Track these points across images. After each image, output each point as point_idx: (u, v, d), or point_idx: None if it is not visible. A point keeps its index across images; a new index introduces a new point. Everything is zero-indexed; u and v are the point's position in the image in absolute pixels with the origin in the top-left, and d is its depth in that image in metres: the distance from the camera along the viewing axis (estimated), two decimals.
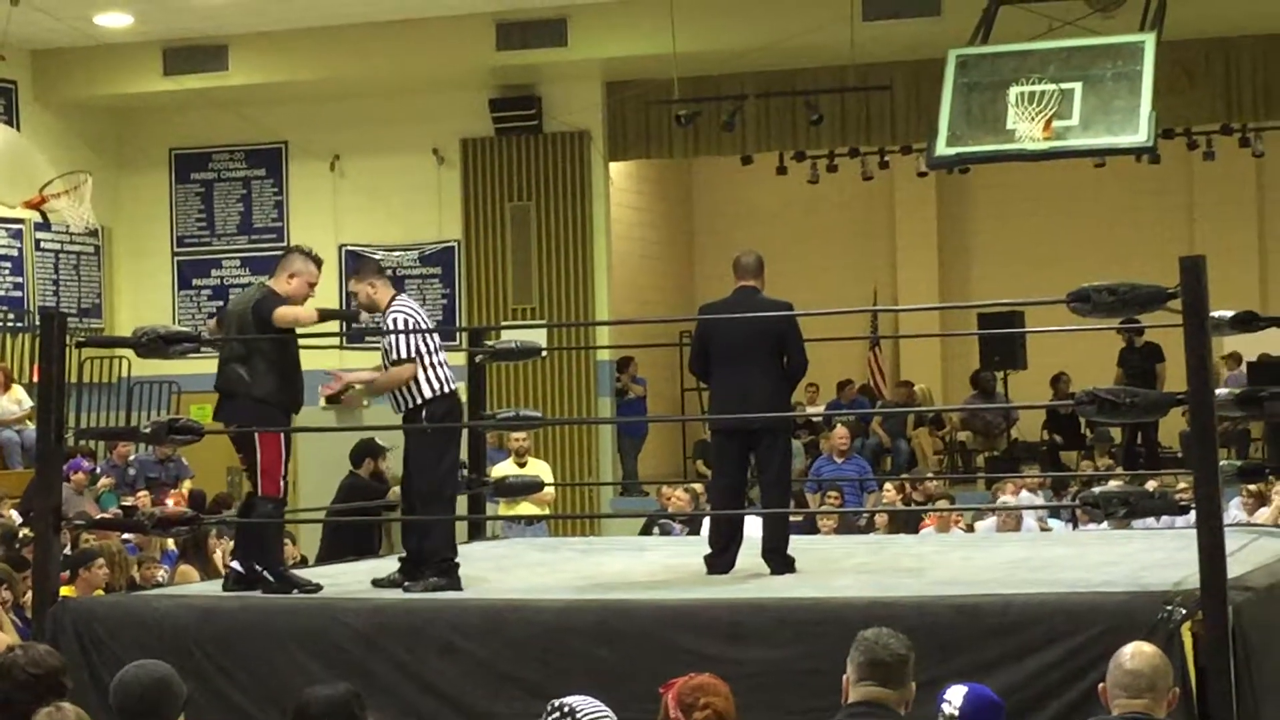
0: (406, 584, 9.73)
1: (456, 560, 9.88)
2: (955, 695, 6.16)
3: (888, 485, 18.61)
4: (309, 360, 10.35)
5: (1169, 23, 16.55)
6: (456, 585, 9.75)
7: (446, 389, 9.98)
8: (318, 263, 10.31)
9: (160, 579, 14.08)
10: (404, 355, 9.95)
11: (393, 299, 10.14)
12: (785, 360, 10.16)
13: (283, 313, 9.91)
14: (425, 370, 9.95)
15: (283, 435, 9.97)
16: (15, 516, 15.81)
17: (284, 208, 23.21)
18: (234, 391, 10.00)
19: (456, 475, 10.22)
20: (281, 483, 9.97)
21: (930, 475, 20.71)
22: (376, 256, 22.80)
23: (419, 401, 9.95)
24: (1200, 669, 7.65)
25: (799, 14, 19.83)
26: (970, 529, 16.48)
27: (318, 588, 9.89)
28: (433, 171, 22.64)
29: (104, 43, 21.53)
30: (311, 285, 10.20)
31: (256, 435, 9.92)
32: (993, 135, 16.27)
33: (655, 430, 23.47)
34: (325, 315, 10.21)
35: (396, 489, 16.28)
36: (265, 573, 9.96)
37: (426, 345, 9.99)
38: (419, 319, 10.11)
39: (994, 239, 25.98)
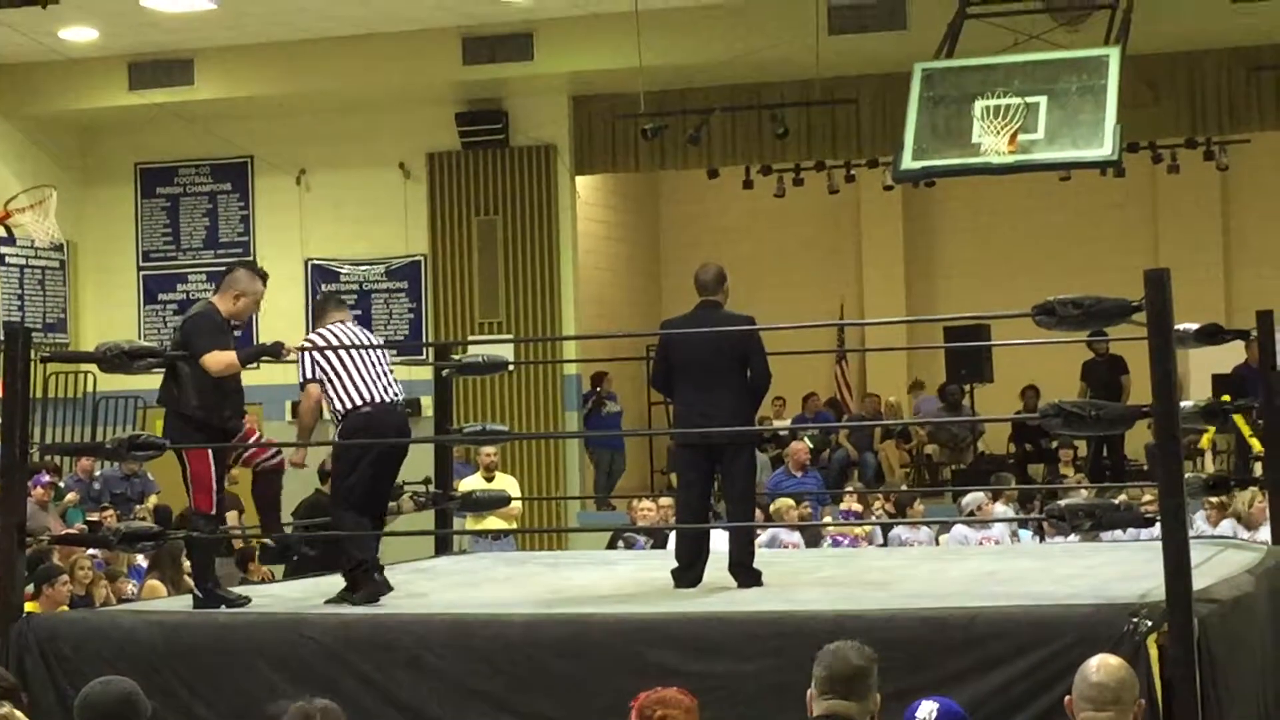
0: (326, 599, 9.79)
1: (365, 562, 9.84)
2: (925, 711, 6.16)
3: (851, 497, 18.65)
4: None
5: (1134, 37, 16.62)
6: (372, 595, 9.71)
7: (356, 402, 9.96)
8: (264, 278, 10.25)
9: (130, 593, 14.02)
10: (303, 379, 10.08)
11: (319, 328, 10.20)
12: (749, 374, 10.17)
13: (210, 361, 9.79)
14: (335, 388, 9.97)
15: (210, 452, 9.90)
16: None
17: (250, 222, 23.16)
18: (163, 407, 10.02)
19: (367, 487, 10.15)
20: (214, 498, 9.95)
21: (906, 489, 20.71)
22: (343, 270, 22.79)
23: (339, 418, 10.00)
24: (1166, 681, 7.66)
25: (765, 28, 19.87)
26: (936, 542, 16.53)
27: (245, 601, 9.91)
28: (399, 186, 22.63)
29: (69, 57, 21.47)
30: (258, 303, 10.16)
31: (185, 452, 9.92)
32: (958, 149, 16.31)
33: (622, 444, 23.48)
34: (249, 356, 10.11)
35: None
36: (195, 588, 10.06)
37: (335, 364, 9.99)
38: (329, 340, 10.10)
39: (960, 252, 26.05)
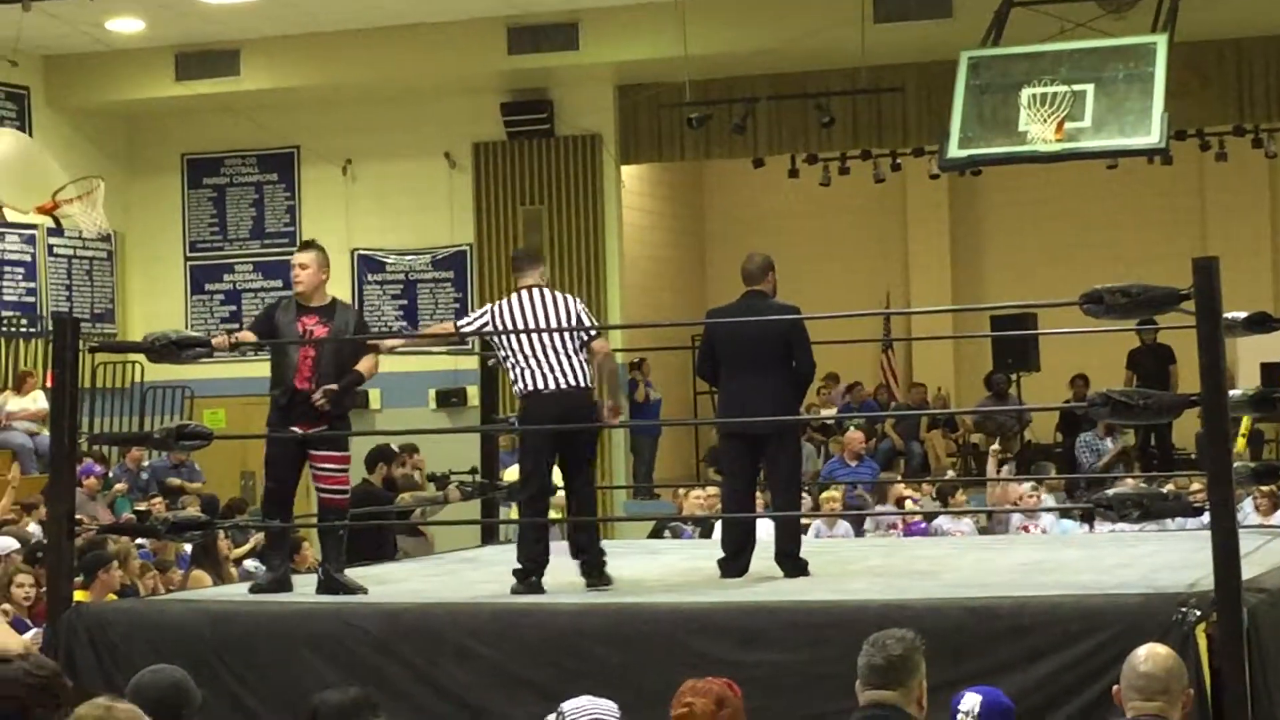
0: None
1: (520, 567, 9.78)
2: (970, 702, 6.15)
3: (901, 487, 18.59)
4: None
5: (1181, 24, 16.54)
6: (527, 589, 9.66)
7: (532, 388, 9.89)
8: (303, 246, 10.56)
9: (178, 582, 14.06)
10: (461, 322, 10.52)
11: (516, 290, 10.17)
12: (793, 364, 10.16)
13: None
14: (516, 368, 9.94)
15: (268, 430, 10.19)
16: (35, 530, 15.78)
17: (296, 212, 23.22)
18: None
19: (537, 478, 10.17)
20: (271, 481, 10.18)
21: (958, 479, 20.61)
22: (389, 260, 22.83)
23: (518, 399, 10.07)
24: (1215, 671, 7.63)
25: (810, 16, 19.83)
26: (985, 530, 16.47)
27: (284, 588, 10.01)
28: (445, 175, 22.66)
29: (116, 48, 21.56)
30: (301, 269, 10.29)
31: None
32: (1005, 137, 16.26)
33: (667, 433, 23.46)
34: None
35: (405, 495, 16.27)
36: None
37: (511, 343, 9.94)
38: (494, 314, 10.06)
39: (1006, 241, 25.96)
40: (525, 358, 9.90)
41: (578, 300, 10.21)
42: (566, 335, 9.90)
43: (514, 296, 10.12)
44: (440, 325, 10.44)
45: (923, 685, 5.99)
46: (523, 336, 9.89)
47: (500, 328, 10.00)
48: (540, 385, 9.87)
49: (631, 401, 22.67)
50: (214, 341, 10.17)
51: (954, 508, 17.19)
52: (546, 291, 10.11)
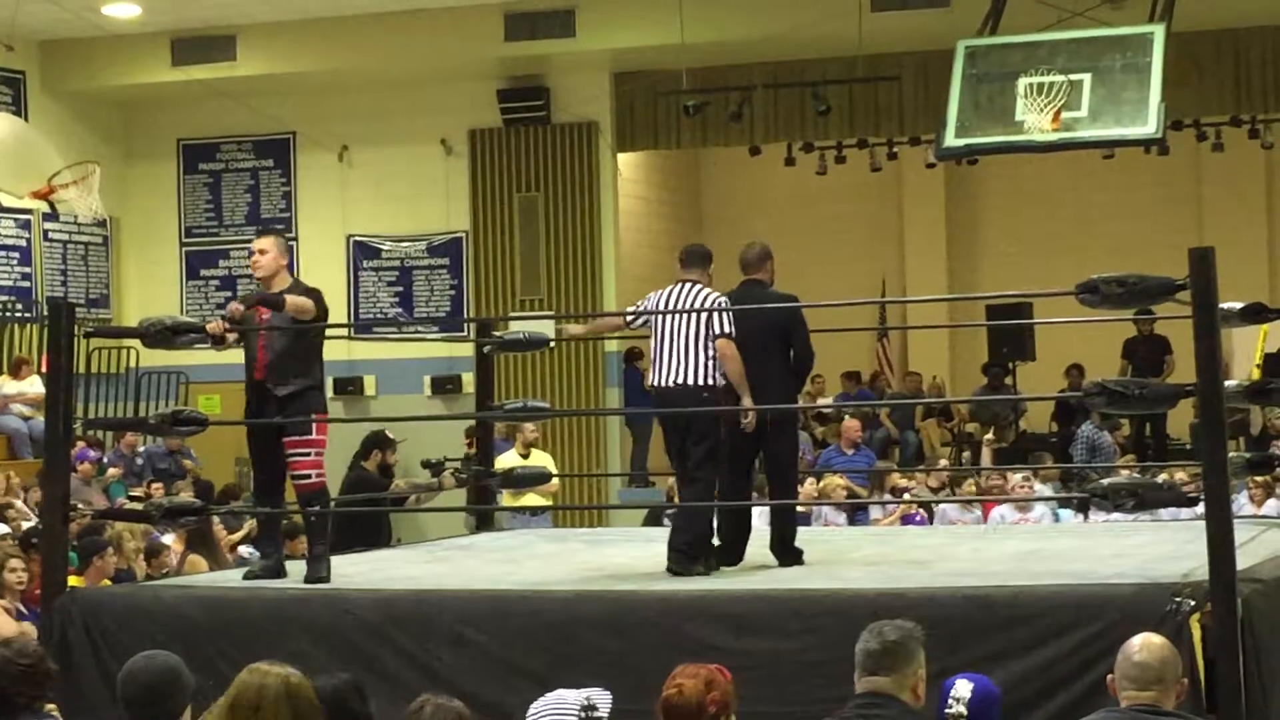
0: None
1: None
2: (962, 690, 6.16)
3: (896, 476, 18.62)
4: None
5: (1178, 14, 16.54)
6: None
7: (649, 380, 9.99)
8: (261, 234, 10.39)
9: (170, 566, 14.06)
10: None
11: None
12: (791, 353, 10.16)
13: None
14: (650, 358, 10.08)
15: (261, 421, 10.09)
16: (22, 508, 15.79)
17: (292, 198, 23.20)
18: None
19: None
20: (257, 473, 10.26)
21: (951, 468, 20.63)
22: (384, 247, 22.80)
23: None
24: (1209, 661, 7.63)
25: (807, 5, 19.83)
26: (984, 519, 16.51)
27: (275, 575, 10.01)
28: (441, 162, 22.64)
29: (112, 33, 21.53)
30: (251, 255, 10.19)
31: None
32: (1001, 126, 16.25)
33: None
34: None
35: (400, 482, 16.28)
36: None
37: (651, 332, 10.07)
38: (647, 302, 10.19)
39: (1002, 230, 25.95)
40: (653, 348, 10.04)
41: (722, 300, 10.02)
42: (692, 332, 9.85)
43: (667, 288, 10.15)
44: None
45: (919, 675, 5.98)
46: (654, 329, 9.96)
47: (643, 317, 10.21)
48: (653, 379, 10.02)
49: (634, 390, 22.64)
50: (209, 327, 10.10)
51: (951, 496, 17.23)
52: (696, 288, 10.04)
